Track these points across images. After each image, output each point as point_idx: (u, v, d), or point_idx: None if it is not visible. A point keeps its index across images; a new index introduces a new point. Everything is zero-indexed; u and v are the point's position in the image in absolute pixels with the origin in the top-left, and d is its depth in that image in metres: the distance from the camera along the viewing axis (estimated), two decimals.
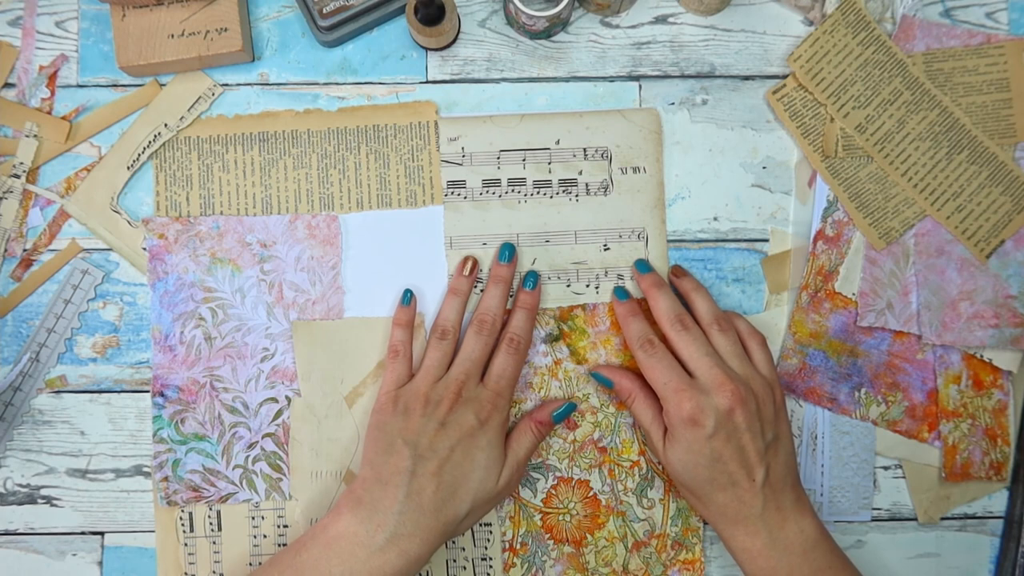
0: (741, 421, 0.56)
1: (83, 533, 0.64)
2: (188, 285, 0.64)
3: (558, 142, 0.66)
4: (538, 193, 0.65)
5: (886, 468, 0.66)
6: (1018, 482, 0.65)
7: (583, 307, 0.65)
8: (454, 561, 0.64)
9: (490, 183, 0.65)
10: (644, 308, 0.64)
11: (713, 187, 0.67)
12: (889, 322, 0.64)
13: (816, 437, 0.65)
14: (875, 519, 0.65)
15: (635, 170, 0.65)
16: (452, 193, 0.65)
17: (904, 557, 0.65)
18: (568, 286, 0.65)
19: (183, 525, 0.63)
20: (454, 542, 0.64)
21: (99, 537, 0.64)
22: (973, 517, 0.66)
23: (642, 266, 0.64)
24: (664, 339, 0.61)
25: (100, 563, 0.64)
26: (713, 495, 0.57)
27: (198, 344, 0.64)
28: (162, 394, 0.64)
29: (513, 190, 0.65)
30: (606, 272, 0.65)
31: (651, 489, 0.64)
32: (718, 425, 0.56)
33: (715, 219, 0.67)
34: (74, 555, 0.64)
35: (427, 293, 0.65)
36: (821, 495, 0.65)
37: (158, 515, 0.64)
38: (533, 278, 0.64)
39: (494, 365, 0.61)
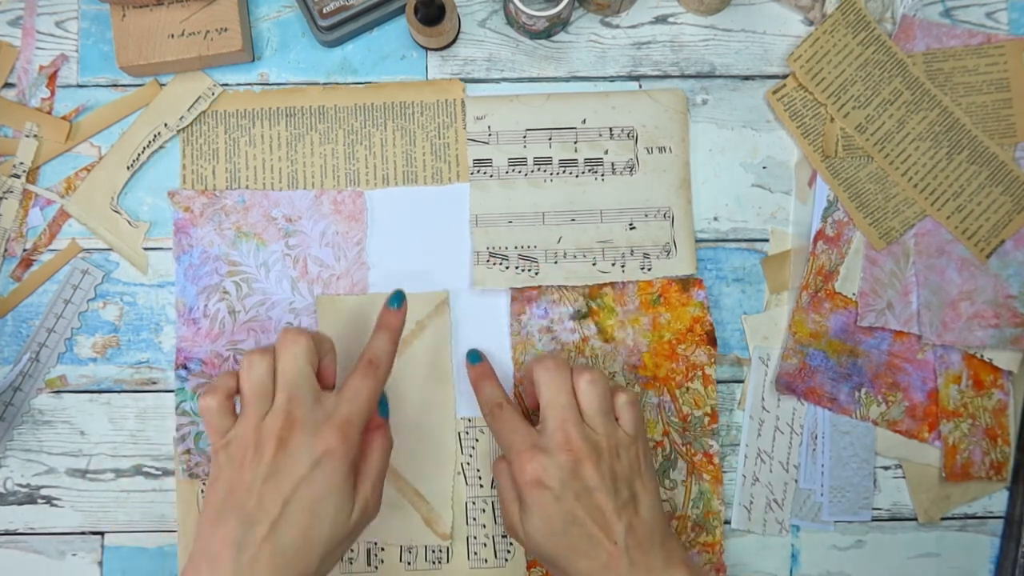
0: (590, 479, 0.53)
1: (83, 533, 0.64)
2: (213, 258, 0.65)
3: (584, 121, 0.66)
4: (564, 172, 0.66)
5: (886, 468, 0.66)
6: (1018, 482, 0.65)
7: (612, 286, 0.65)
8: (475, 539, 0.64)
9: (516, 162, 0.66)
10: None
11: (713, 187, 0.67)
12: (889, 322, 0.64)
13: (816, 437, 0.65)
14: (875, 519, 0.65)
15: (661, 150, 0.66)
16: (478, 171, 0.66)
17: (904, 557, 0.66)
18: (594, 264, 0.65)
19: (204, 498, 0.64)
20: (475, 518, 0.64)
21: (99, 537, 0.64)
22: (973, 517, 0.66)
23: (473, 357, 0.63)
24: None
25: (100, 563, 0.64)
26: (576, 563, 0.52)
27: (222, 318, 0.64)
28: (185, 367, 0.64)
29: (539, 169, 0.65)
30: (631, 251, 0.65)
31: (673, 470, 0.64)
32: (564, 485, 0.52)
33: (715, 219, 0.67)
34: (74, 555, 0.64)
35: (451, 271, 0.65)
36: (821, 495, 0.65)
37: (179, 488, 0.64)
38: (398, 299, 0.58)
39: (345, 388, 0.53)
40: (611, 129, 0.66)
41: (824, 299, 0.65)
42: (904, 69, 0.65)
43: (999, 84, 0.65)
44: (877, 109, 0.65)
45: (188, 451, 0.64)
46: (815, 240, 0.65)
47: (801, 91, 0.66)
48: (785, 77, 0.67)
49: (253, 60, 0.67)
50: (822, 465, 0.65)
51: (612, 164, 0.66)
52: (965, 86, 0.66)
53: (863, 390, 0.65)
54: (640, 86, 0.67)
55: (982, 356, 0.65)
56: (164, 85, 0.66)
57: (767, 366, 0.65)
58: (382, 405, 0.57)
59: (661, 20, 0.68)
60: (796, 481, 0.65)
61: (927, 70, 0.66)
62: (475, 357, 0.62)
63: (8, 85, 0.66)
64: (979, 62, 0.66)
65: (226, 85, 0.67)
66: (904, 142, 0.65)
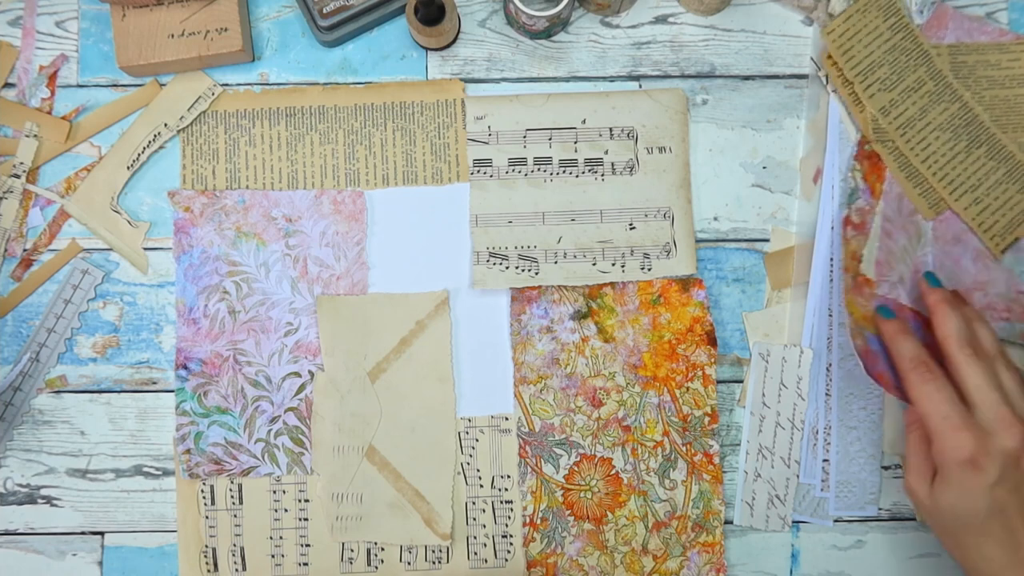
0: None
1: (83, 533, 0.64)
2: (213, 259, 0.65)
3: (584, 121, 0.66)
4: (564, 172, 0.66)
5: (887, 468, 0.66)
6: None
7: (612, 286, 0.65)
8: (475, 539, 0.64)
9: (516, 162, 0.66)
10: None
11: (713, 187, 0.67)
12: (901, 296, 0.64)
13: (818, 432, 0.65)
14: (875, 519, 0.65)
15: (661, 150, 0.66)
16: (478, 171, 0.66)
17: (904, 557, 0.65)
18: (594, 264, 0.65)
19: (204, 498, 0.64)
20: (475, 518, 0.64)
21: (99, 537, 0.64)
22: None
23: (932, 279, 0.60)
24: (941, 364, 0.55)
25: (100, 563, 0.64)
26: (982, 547, 0.52)
27: (222, 318, 0.64)
28: (185, 367, 0.64)
29: (539, 169, 0.66)
30: (631, 251, 0.65)
31: (673, 470, 0.64)
32: (1004, 472, 0.50)
33: (715, 219, 0.67)
34: (74, 555, 0.64)
35: (451, 271, 0.65)
36: (821, 490, 0.65)
37: (180, 488, 0.64)
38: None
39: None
40: (611, 129, 0.66)
41: (863, 284, 0.64)
42: (929, 60, 0.65)
43: (1020, 80, 0.66)
44: (901, 95, 0.65)
45: (188, 451, 0.64)
46: (844, 226, 0.64)
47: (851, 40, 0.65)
48: (786, 77, 0.67)
49: (253, 60, 0.67)
50: (823, 460, 0.65)
51: (612, 164, 0.66)
52: (988, 80, 0.66)
53: None
54: (640, 86, 0.67)
55: None
56: (164, 85, 0.66)
57: (767, 362, 0.65)
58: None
59: (661, 20, 0.68)
60: (797, 476, 0.65)
61: (952, 62, 0.66)
62: (887, 312, 0.59)
63: (8, 85, 0.66)
64: (1001, 57, 0.66)
65: (226, 85, 0.67)
66: (925, 131, 0.65)
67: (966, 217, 0.65)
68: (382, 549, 0.64)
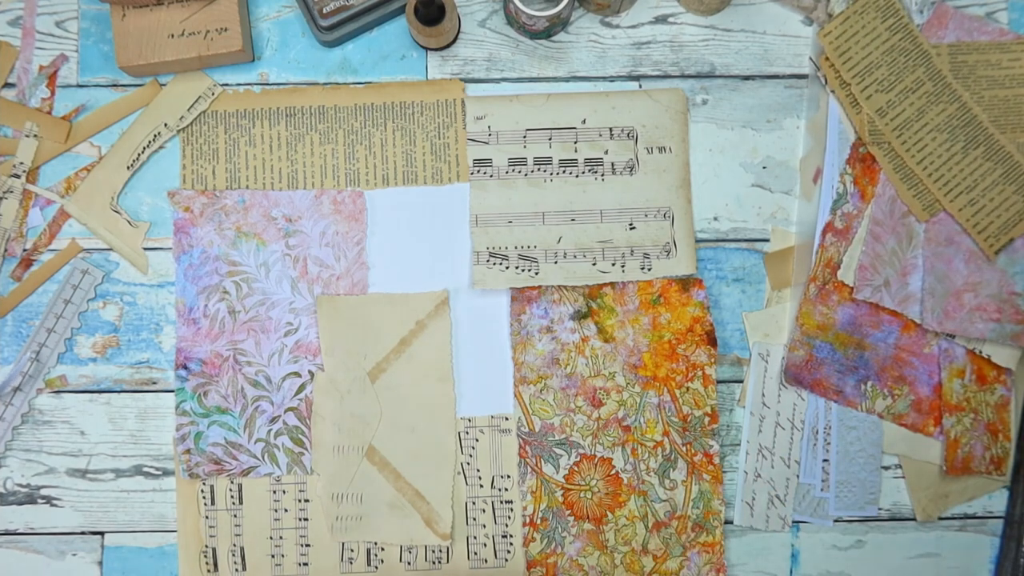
0: None
1: (83, 533, 0.64)
2: (213, 259, 0.65)
3: (584, 121, 0.66)
4: (564, 172, 0.66)
5: (887, 468, 0.66)
6: (1018, 482, 0.65)
7: (612, 286, 0.65)
8: (475, 539, 0.64)
9: (516, 162, 0.66)
10: None
11: (713, 187, 0.67)
12: (884, 299, 0.64)
13: (818, 432, 0.65)
14: (875, 519, 0.66)
15: (661, 150, 0.66)
16: (478, 171, 0.66)
17: (904, 557, 0.66)
18: (594, 264, 0.65)
19: (204, 498, 0.64)
20: (475, 518, 0.64)
21: (99, 537, 0.64)
22: (973, 517, 0.66)
23: None
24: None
25: (100, 563, 0.64)
26: None
27: (222, 318, 0.64)
28: (185, 367, 0.64)
29: (539, 169, 0.66)
30: (631, 251, 0.65)
31: (674, 470, 0.64)
32: None
33: (715, 219, 0.67)
34: (74, 555, 0.64)
35: (451, 271, 0.65)
36: (821, 490, 0.65)
37: (179, 488, 0.64)
38: None
39: None
40: (611, 129, 0.66)
41: (832, 291, 0.65)
42: (928, 60, 0.65)
43: (1021, 79, 0.66)
44: (899, 95, 0.65)
45: (188, 451, 0.64)
46: (824, 232, 0.65)
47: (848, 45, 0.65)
48: (786, 77, 0.67)
49: (253, 60, 0.67)
50: (823, 460, 0.65)
51: (612, 164, 0.66)
52: (988, 79, 0.66)
53: (869, 383, 0.65)
54: (640, 86, 0.67)
55: (980, 351, 0.65)
56: (164, 85, 0.66)
57: (767, 362, 0.65)
58: None
59: (661, 20, 0.68)
60: (798, 476, 0.65)
61: (951, 62, 0.66)
62: None
63: (8, 85, 0.66)
64: (1002, 57, 0.66)
65: (226, 85, 0.67)
66: (922, 131, 0.65)
67: (961, 218, 0.65)
68: (382, 549, 0.64)
